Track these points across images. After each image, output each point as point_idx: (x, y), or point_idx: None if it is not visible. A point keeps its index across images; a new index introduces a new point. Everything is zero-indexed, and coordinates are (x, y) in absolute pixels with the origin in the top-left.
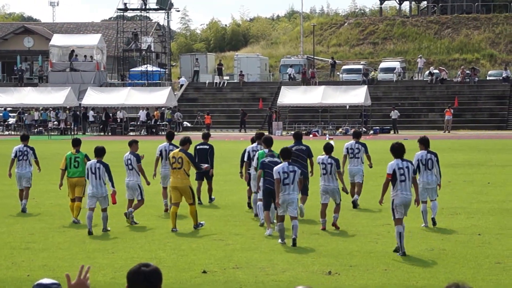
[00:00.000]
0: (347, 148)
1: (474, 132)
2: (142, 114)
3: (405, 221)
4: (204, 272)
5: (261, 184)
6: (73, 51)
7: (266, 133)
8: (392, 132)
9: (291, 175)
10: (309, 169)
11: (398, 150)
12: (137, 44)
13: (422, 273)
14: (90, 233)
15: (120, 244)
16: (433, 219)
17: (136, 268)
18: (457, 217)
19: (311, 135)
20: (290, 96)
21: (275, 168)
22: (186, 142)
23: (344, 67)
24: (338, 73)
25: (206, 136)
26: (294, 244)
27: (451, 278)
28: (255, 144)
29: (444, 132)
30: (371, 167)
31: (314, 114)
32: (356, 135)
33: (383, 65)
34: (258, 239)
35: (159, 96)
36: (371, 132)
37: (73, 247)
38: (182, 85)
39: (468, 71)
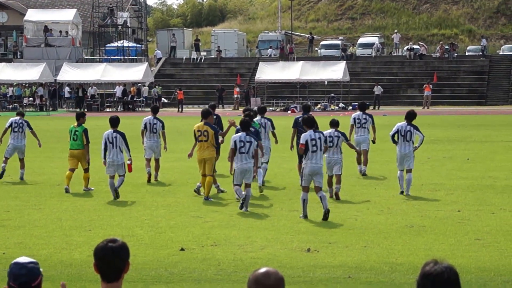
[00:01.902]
0: (354, 119)
1: (453, 108)
2: (118, 90)
3: (381, 199)
4: (182, 249)
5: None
6: (46, 26)
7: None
8: (372, 107)
9: (247, 144)
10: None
11: (309, 122)
12: (113, 20)
13: (401, 250)
14: (115, 198)
15: (97, 221)
16: (406, 194)
17: (103, 244)
18: (437, 194)
19: (289, 111)
20: (268, 72)
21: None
22: (208, 114)
23: (323, 42)
24: (316, 48)
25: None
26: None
27: (430, 255)
28: (258, 118)
29: (424, 108)
30: (374, 142)
31: (293, 90)
32: (362, 107)
33: (361, 40)
34: (236, 217)
35: (135, 72)
36: (350, 107)
37: (49, 224)
38: (159, 59)
39: (447, 47)
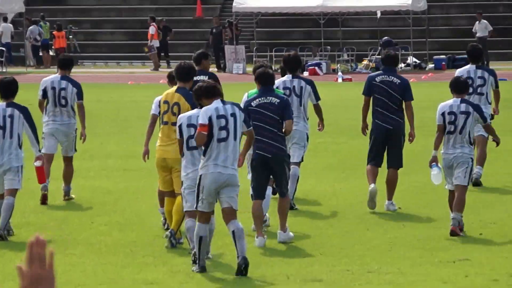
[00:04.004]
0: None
1: None
2: None
3: None
4: None
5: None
6: None
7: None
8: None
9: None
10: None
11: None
12: None
13: None
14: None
15: None
16: None
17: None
18: None
19: (306, 72)
20: None
21: None
22: (192, 71)
23: None
24: None
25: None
26: None
27: None
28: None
29: None
30: (492, 117)
31: (311, 30)
32: (475, 55)
33: None
34: None
35: None
36: (430, 65)
37: None
38: None
39: None
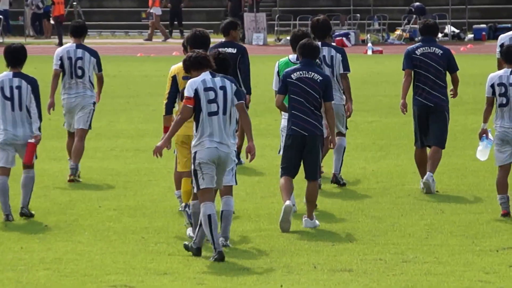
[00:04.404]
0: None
1: None
2: None
3: None
4: None
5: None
6: None
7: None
8: None
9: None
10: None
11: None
12: None
13: None
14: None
15: None
16: None
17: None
18: None
19: (332, 43)
20: None
21: None
22: (206, 41)
23: None
24: None
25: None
26: None
27: None
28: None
29: None
30: None
31: None
32: None
33: None
34: None
35: None
36: (469, 35)
37: None
38: None
39: None
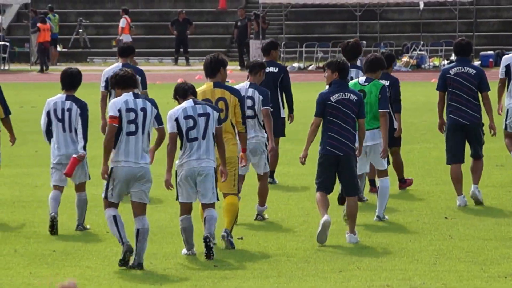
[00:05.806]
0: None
1: None
2: None
3: None
4: None
5: None
6: None
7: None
8: None
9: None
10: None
11: None
12: None
13: None
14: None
15: None
16: None
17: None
18: None
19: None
20: None
21: None
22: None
23: None
24: None
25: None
26: None
27: None
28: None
29: None
30: None
31: (346, 23)
32: None
33: None
34: None
35: None
36: (475, 63)
37: None
38: None
39: None
